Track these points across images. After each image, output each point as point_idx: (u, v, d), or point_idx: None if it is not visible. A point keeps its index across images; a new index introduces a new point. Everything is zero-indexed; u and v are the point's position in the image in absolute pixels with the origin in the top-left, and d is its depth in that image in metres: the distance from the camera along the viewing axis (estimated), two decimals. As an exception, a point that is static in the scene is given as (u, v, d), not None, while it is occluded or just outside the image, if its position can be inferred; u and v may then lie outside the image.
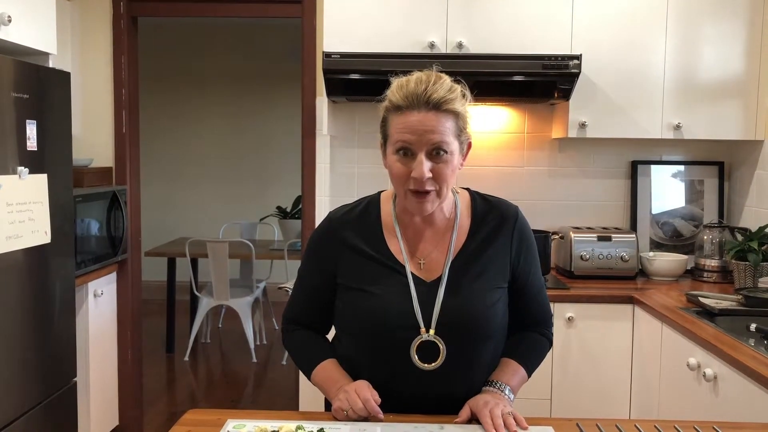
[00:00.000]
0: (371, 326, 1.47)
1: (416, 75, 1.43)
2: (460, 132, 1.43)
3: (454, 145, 1.41)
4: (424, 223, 1.52)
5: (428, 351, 1.44)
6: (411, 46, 3.00)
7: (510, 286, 1.55)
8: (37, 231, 2.54)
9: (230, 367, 5.16)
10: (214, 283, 5.02)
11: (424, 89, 1.38)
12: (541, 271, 2.97)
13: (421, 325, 1.44)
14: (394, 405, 1.44)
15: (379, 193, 1.60)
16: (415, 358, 1.44)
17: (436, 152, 1.39)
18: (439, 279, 1.48)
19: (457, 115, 1.41)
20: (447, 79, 1.43)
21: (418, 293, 1.47)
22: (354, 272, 1.51)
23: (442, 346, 1.44)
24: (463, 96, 1.44)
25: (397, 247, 1.51)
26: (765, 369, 1.81)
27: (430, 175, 1.39)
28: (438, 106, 1.38)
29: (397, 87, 1.42)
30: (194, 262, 5.30)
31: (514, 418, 1.39)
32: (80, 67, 3.56)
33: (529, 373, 1.58)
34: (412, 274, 1.49)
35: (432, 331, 1.44)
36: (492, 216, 1.55)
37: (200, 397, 4.56)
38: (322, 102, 3.33)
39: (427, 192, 1.41)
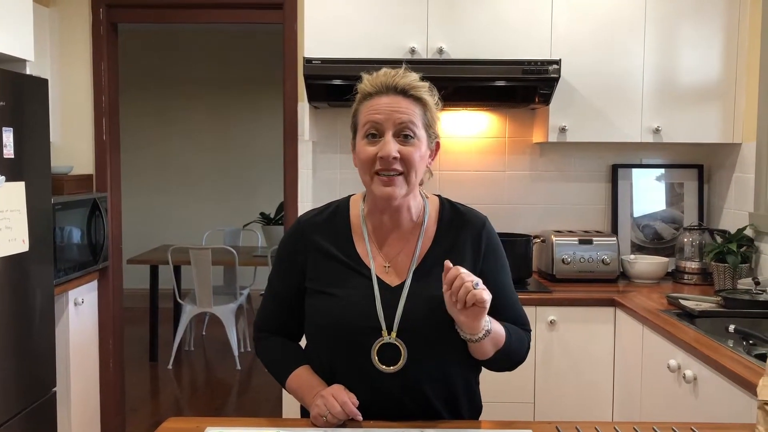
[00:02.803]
0: (333, 328, 1.46)
1: (385, 69, 1.50)
2: (429, 125, 1.48)
3: (421, 132, 1.46)
4: (392, 224, 1.53)
5: (391, 355, 1.44)
6: (392, 51, 3.01)
7: None
8: (15, 239, 2.52)
9: (214, 375, 5.13)
10: (198, 291, 4.98)
11: (392, 77, 1.47)
12: (523, 274, 3.04)
13: (383, 327, 1.44)
14: (360, 409, 1.42)
15: (349, 196, 1.61)
16: (376, 359, 1.43)
17: (404, 134, 1.44)
18: (404, 283, 1.48)
19: (424, 105, 1.47)
20: (416, 75, 1.49)
21: (382, 296, 1.46)
22: (321, 275, 1.51)
23: (403, 349, 1.43)
24: (432, 93, 1.49)
25: (365, 249, 1.52)
26: (743, 370, 1.82)
27: (398, 155, 1.42)
28: (405, 91, 1.46)
29: (368, 78, 1.50)
30: (177, 270, 5.27)
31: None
32: (59, 74, 3.53)
33: (508, 340, 1.47)
34: (377, 277, 1.48)
35: (394, 334, 1.44)
36: (458, 223, 1.55)
37: (184, 404, 4.52)
38: (303, 108, 3.32)
39: (395, 174, 1.43)
